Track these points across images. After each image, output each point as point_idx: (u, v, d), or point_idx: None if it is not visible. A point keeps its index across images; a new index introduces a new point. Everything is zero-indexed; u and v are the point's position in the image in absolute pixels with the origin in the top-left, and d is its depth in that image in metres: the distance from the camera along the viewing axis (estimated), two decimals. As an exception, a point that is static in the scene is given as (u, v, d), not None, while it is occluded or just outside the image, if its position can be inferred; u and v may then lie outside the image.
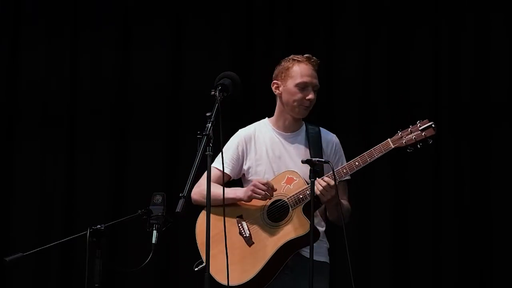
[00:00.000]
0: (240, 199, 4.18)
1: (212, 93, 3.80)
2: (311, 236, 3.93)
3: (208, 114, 3.71)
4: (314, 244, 4.08)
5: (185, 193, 3.55)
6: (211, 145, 3.65)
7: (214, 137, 3.67)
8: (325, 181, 4.07)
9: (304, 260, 4.15)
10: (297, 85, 4.23)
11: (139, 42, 6.21)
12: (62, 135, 6.18)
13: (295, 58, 4.28)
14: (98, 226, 3.78)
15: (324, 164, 4.17)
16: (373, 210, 5.96)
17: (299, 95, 4.23)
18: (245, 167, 4.29)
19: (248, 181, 4.28)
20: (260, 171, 4.28)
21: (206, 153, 3.63)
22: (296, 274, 4.17)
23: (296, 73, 4.24)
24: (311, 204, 3.95)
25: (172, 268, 5.94)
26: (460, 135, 5.94)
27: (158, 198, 3.84)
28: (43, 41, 6.22)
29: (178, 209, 3.54)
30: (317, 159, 4.07)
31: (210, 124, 3.68)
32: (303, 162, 4.12)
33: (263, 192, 4.09)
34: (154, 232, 3.78)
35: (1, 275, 6.04)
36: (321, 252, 4.25)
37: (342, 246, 4.02)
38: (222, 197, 3.75)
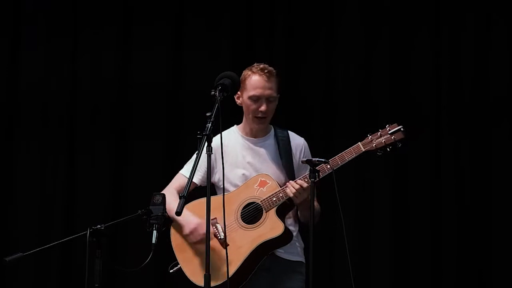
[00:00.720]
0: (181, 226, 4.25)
1: (212, 93, 3.81)
2: (311, 237, 3.93)
3: (208, 114, 3.72)
4: (288, 245, 4.22)
5: (185, 193, 3.56)
6: (211, 145, 3.65)
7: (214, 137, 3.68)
8: (298, 184, 4.15)
9: (280, 260, 4.24)
10: (249, 97, 4.29)
11: (139, 42, 6.21)
12: (62, 135, 6.17)
13: (250, 69, 4.33)
14: (98, 226, 3.78)
15: (295, 167, 4.27)
16: (373, 210, 5.95)
17: (252, 107, 4.29)
18: (215, 176, 4.33)
19: (221, 189, 4.27)
20: (230, 177, 4.30)
21: (206, 153, 3.63)
22: (272, 275, 4.23)
23: (249, 85, 4.29)
24: (311, 204, 3.96)
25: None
26: (460, 134, 5.94)
27: (158, 198, 3.85)
28: (43, 41, 6.22)
29: (178, 209, 3.55)
30: (317, 159, 4.10)
31: (210, 124, 3.69)
32: (303, 162, 4.15)
33: (199, 238, 4.15)
34: (154, 232, 3.78)
35: (1, 275, 6.04)
36: (294, 252, 4.31)
37: (342, 246, 4.02)
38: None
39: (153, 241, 3.77)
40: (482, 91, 5.93)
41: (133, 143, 6.16)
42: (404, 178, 5.95)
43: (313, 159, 4.08)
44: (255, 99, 4.26)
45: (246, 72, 4.33)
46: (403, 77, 6.02)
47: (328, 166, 4.13)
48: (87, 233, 3.74)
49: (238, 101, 4.35)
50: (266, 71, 4.29)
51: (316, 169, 4.05)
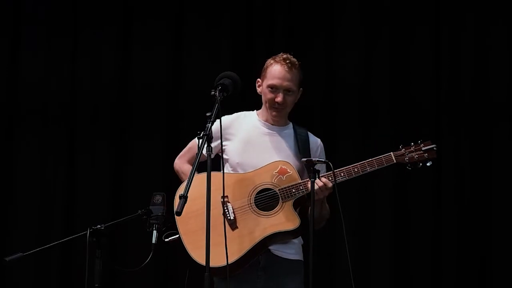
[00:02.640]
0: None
1: (212, 93, 3.80)
2: (311, 237, 3.91)
3: (208, 114, 3.71)
4: (288, 243, 4.13)
5: (185, 193, 3.55)
6: (211, 145, 3.65)
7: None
8: (322, 182, 4.06)
9: (277, 260, 4.13)
10: (268, 86, 4.21)
11: (139, 42, 6.21)
12: (62, 135, 6.18)
13: (274, 58, 4.25)
14: (98, 226, 3.78)
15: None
16: (373, 210, 5.96)
17: (269, 96, 4.20)
18: (224, 153, 4.23)
19: (226, 160, 4.22)
20: (235, 155, 4.19)
21: (207, 153, 3.63)
22: (269, 275, 4.12)
23: (270, 74, 4.21)
24: (311, 204, 3.95)
25: (172, 268, 5.94)
26: (460, 135, 5.94)
27: (158, 198, 3.85)
28: (43, 41, 6.22)
29: (178, 209, 3.53)
30: (317, 159, 4.08)
31: (210, 124, 3.68)
32: (303, 162, 4.11)
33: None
34: (154, 232, 3.78)
35: (1, 275, 6.04)
36: (293, 250, 4.20)
37: (342, 246, 4.01)
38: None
39: (153, 241, 3.77)
40: (482, 91, 5.94)
41: (133, 143, 6.17)
42: (404, 178, 5.95)
43: (313, 159, 4.07)
44: (273, 88, 4.19)
45: (269, 61, 4.25)
46: (403, 77, 6.02)
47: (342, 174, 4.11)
48: (87, 233, 3.74)
49: (258, 89, 4.28)
50: (288, 61, 4.19)
51: (317, 169, 4.03)
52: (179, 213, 3.53)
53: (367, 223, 5.95)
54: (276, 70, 4.19)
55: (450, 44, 6.01)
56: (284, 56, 4.22)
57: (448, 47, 6.01)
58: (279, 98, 4.18)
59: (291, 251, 4.19)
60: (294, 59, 4.22)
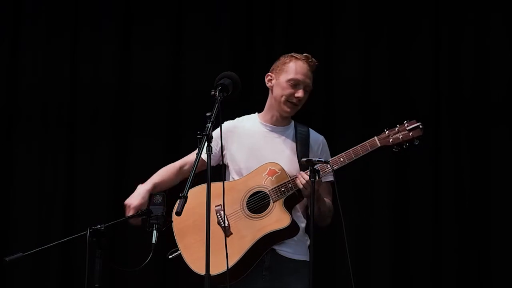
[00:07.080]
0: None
1: (212, 93, 3.81)
2: (311, 237, 3.92)
3: (208, 114, 3.72)
4: (293, 243, 4.15)
5: (185, 193, 3.55)
6: (211, 145, 3.65)
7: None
8: (308, 175, 4.05)
9: (282, 260, 4.15)
10: (289, 80, 4.23)
11: (139, 42, 6.21)
12: (62, 135, 6.18)
13: (294, 55, 4.29)
14: (98, 226, 3.78)
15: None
16: (373, 210, 5.96)
17: (288, 91, 4.22)
18: (226, 158, 4.28)
19: (229, 169, 4.27)
20: (239, 160, 4.24)
21: (207, 153, 3.63)
22: (274, 274, 4.14)
23: (291, 69, 4.24)
24: (311, 204, 3.95)
25: (172, 268, 5.94)
26: (460, 135, 5.94)
27: (158, 198, 3.85)
28: (43, 42, 6.22)
29: (178, 209, 3.54)
30: (317, 159, 4.08)
31: (210, 124, 3.68)
32: (303, 162, 4.11)
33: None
34: (154, 232, 3.78)
35: (1, 275, 6.04)
36: (298, 250, 4.21)
37: (342, 246, 4.02)
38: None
39: (153, 241, 3.77)
40: (482, 91, 5.94)
41: (133, 143, 6.17)
42: (404, 178, 5.95)
43: (313, 159, 4.07)
44: (294, 83, 4.21)
45: (286, 58, 4.28)
46: (403, 77, 6.03)
47: (329, 166, 4.11)
48: (87, 233, 3.74)
49: (269, 84, 4.30)
50: (310, 60, 4.26)
51: (317, 169, 4.03)
52: (179, 213, 3.53)
53: (367, 223, 5.95)
54: (299, 66, 4.24)
55: (450, 44, 6.01)
56: (306, 54, 4.28)
57: (448, 47, 6.01)
58: (300, 93, 4.22)
59: (296, 251, 4.20)
60: (315, 60, 4.29)
